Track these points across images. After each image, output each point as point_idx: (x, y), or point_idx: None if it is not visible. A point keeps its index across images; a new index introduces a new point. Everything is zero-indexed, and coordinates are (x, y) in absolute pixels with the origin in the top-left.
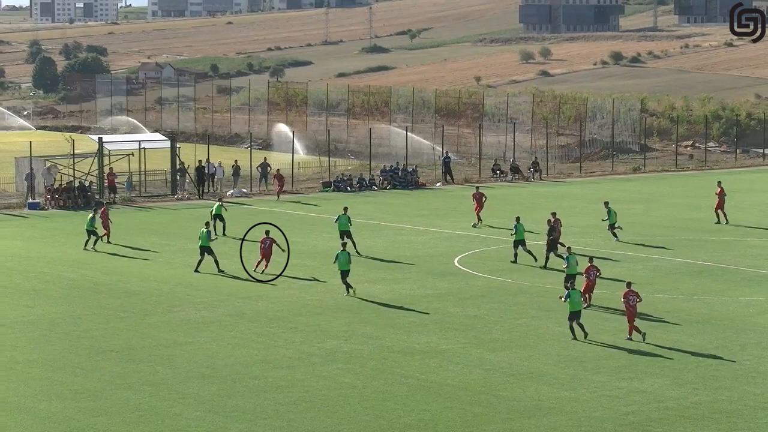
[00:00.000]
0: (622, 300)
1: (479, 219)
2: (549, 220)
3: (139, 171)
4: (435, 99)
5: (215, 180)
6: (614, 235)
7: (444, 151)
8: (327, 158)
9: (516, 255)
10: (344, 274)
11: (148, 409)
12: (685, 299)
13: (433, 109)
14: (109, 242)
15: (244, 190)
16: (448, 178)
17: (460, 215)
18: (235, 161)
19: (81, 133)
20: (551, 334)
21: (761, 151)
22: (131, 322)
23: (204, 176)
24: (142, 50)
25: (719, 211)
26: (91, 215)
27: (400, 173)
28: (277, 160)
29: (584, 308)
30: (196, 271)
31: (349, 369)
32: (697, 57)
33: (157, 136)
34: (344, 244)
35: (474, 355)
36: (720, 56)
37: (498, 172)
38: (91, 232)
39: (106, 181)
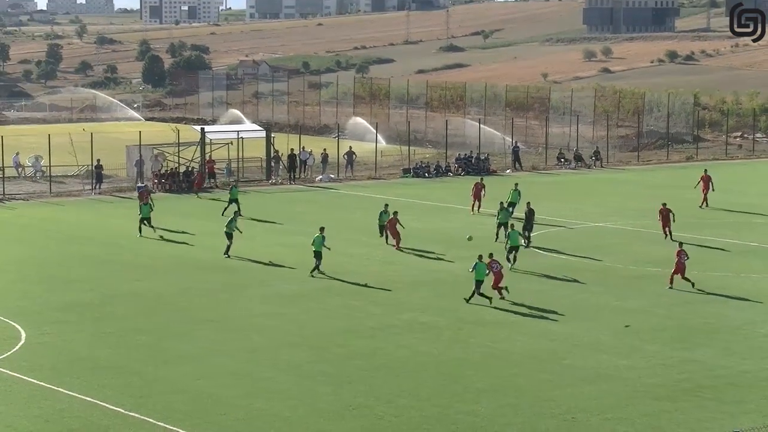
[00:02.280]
0: (675, 257)
1: (474, 209)
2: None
3: (238, 158)
4: (505, 94)
5: (306, 166)
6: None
7: (513, 141)
8: (407, 147)
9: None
10: (317, 255)
11: (243, 373)
12: (734, 276)
13: (504, 102)
14: (151, 226)
15: (332, 176)
16: (517, 165)
17: (529, 199)
18: (324, 149)
19: (185, 123)
20: (610, 307)
21: None
22: (229, 295)
23: (296, 163)
24: (240, 49)
25: (704, 194)
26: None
27: (473, 161)
28: (361, 147)
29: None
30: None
31: (426, 338)
32: (746, 55)
33: (254, 126)
34: (322, 228)
35: (540, 326)
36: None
37: (562, 160)
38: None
39: (206, 167)
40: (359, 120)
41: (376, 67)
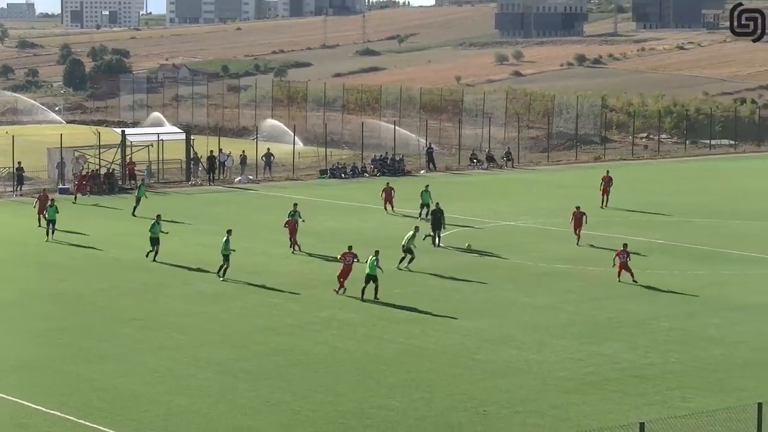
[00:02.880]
0: (616, 256)
1: (387, 209)
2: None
3: (158, 160)
4: (420, 96)
5: (225, 168)
6: (427, 215)
7: (427, 143)
8: (324, 149)
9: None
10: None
11: (164, 371)
12: (640, 273)
13: (418, 105)
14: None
15: (251, 177)
16: (431, 166)
17: (442, 199)
18: (243, 151)
19: (106, 126)
20: (520, 304)
21: (708, 142)
22: (150, 294)
23: (215, 165)
24: (160, 53)
25: (604, 195)
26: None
27: (388, 162)
28: (279, 149)
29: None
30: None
31: (342, 335)
32: (651, 59)
33: (174, 129)
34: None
35: (452, 323)
36: (672, 58)
37: (475, 161)
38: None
39: (127, 169)
40: (275, 122)
41: (294, 71)
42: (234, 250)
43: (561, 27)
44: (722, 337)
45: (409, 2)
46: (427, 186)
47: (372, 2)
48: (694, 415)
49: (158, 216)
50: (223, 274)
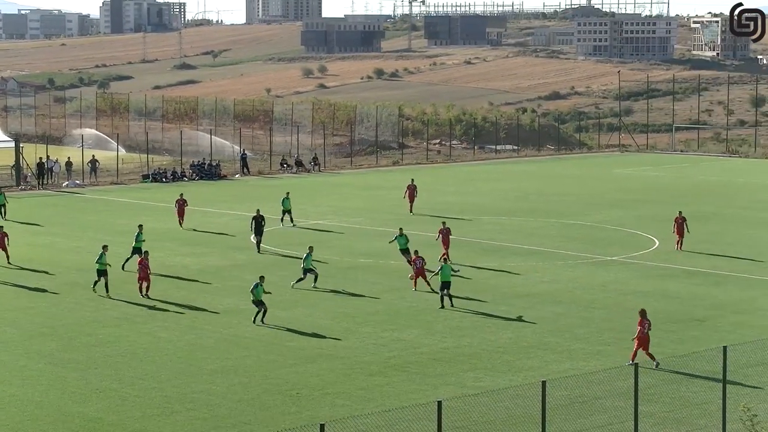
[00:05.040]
0: (412, 263)
1: (181, 224)
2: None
3: None
4: (234, 107)
5: (53, 173)
6: (291, 221)
7: (241, 149)
8: (146, 155)
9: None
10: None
11: None
12: (433, 266)
13: (233, 114)
14: None
15: (78, 182)
16: (245, 170)
17: (255, 200)
18: (68, 158)
19: None
20: (328, 296)
21: (494, 147)
22: None
23: (44, 170)
24: None
25: (411, 202)
26: None
27: (206, 167)
28: (104, 156)
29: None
30: None
31: (165, 326)
32: (442, 73)
33: (3, 137)
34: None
35: (267, 313)
36: (461, 72)
37: (285, 165)
38: None
39: None
40: (94, 131)
41: (116, 83)
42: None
43: (361, 43)
44: (509, 323)
45: (222, 20)
46: (288, 193)
47: (188, 20)
48: (486, 393)
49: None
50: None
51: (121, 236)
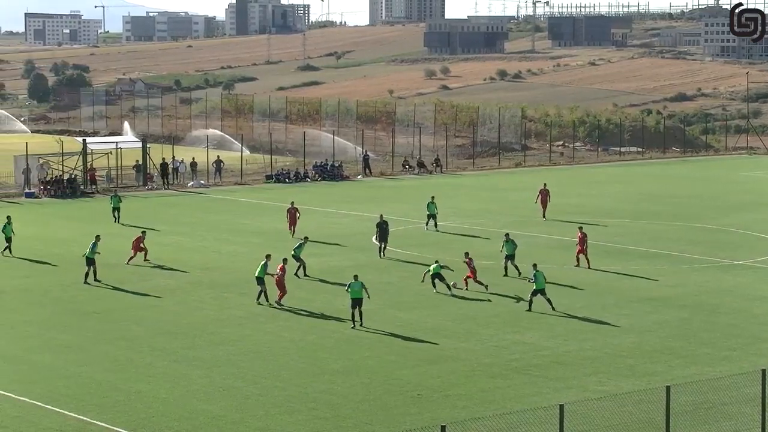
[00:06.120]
0: (465, 261)
1: (293, 233)
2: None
3: (117, 166)
4: (356, 108)
5: (178, 174)
6: (435, 226)
7: (363, 150)
8: (270, 156)
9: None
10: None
11: (124, 360)
12: (557, 269)
13: (355, 116)
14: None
15: (202, 182)
16: (367, 171)
17: (377, 201)
18: (193, 158)
19: (68, 135)
20: (449, 297)
21: (618, 149)
22: (110, 289)
23: (168, 170)
24: (118, 68)
25: (544, 208)
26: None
27: (328, 168)
28: (229, 156)
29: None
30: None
31: (288, 326)
32: (566, 74)
33: (131, 137)
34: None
35: (388, 314)
36: (584, 73)
37: (407, 166)
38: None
39: (88, 174)
40: (218, 132)
41: (241, 85)
42: (272, 275)
43: (484, 45)
44: (633, 327)
45: (345, 22)
46: (433, 197)
47: (312, 21)
48: (608, 397)
49: (97, 237)
50: (259, 297)
51: (245, 236)
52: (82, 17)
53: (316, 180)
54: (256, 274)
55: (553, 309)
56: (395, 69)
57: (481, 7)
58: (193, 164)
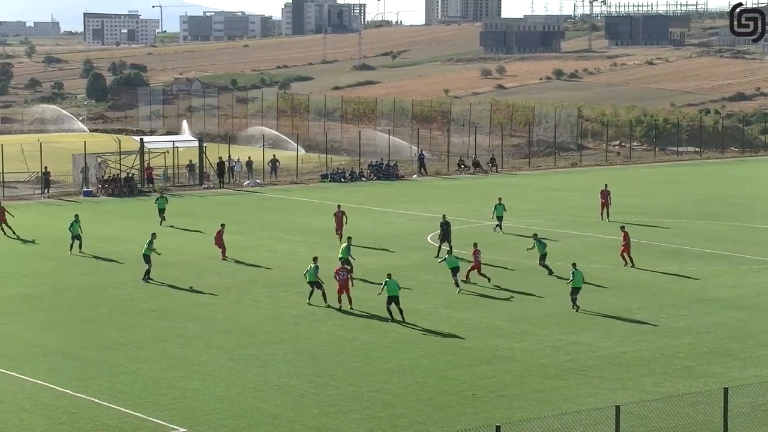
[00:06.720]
0: (473, 254)
1: (340, 237)
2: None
3: (173, 165)
4: (411, 107)
5: (234, 173)
6: (500, 227)
7: (419, 150)
8: (325, 155)
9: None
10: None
11: (180, 357)
12: (613, 269)
13: (410, 115)
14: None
15: (258, 181)
16: (423, 171)
17: (432, 201)
18: (249, 157)
19: (126, 134)
20: (504, 297)
21: (675, 149)
22: (166, 287)
23: (224, 169)
24: (175, 67)
25: (604, 208)
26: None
27: (383, 167)
28: (281, 155)
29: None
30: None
31: (343, 325)
32: (623, 73)
33: (188, 136)
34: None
35: (443, 314)
36: (642, 72)
37: (462, 166)
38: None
39: (145, 173)
40: (273, 132)
41: (296, 84)
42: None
43: (540, 44)
44: (690, 328)
45: (401, 21)
46: (500, 199)
47: (367, 21)
48: (665, 399)
49: (153, 234)
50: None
51: (300, 235)
52: (140, 17)
53: (372, 179)
54: (308, 280)
55: (577, 309)
56: (451, 68)
57: (537, 7)
58: (249, 163)
